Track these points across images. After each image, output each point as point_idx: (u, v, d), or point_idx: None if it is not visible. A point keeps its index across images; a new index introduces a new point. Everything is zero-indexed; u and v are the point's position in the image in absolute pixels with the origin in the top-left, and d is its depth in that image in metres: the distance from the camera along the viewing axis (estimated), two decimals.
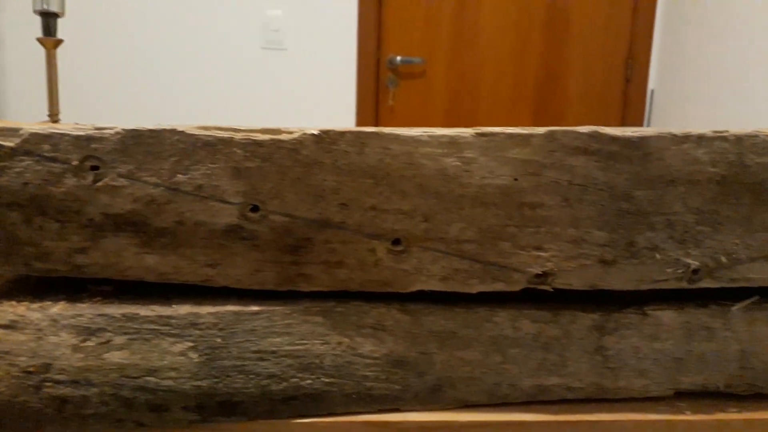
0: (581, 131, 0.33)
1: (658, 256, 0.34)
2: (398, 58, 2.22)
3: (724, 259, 0.34)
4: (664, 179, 0.33)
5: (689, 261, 0.34)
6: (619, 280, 0.34)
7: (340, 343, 0.34)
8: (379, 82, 2.25)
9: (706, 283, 0.35)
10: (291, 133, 0.33)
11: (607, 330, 0.35)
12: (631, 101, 2.26)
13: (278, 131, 0.33)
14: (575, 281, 0.34)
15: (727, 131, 0.33)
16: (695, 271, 0.34)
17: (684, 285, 0.35)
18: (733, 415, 0.35)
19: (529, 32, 2.24)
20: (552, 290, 0.35)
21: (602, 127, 0.33)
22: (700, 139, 0.33)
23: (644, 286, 0.35)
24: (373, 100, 2.24)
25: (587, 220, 0.34)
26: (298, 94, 2.21)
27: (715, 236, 0.34)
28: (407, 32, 2.23)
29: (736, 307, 0.35)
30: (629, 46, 2.24)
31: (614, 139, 0.33)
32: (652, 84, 2.25)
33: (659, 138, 0.33)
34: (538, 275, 0.34)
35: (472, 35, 2.22)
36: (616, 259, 0.34)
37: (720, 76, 1.82)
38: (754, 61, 1.68)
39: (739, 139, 0.33)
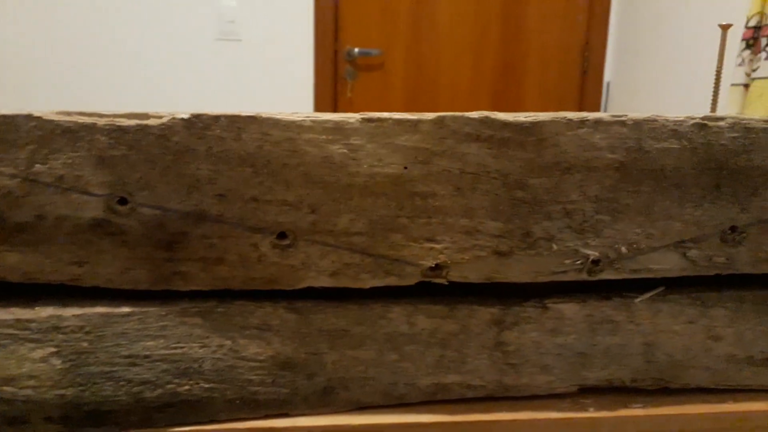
0: (472, 117, 0.31)
1: (555, 246, 0.33)
2: (356, 49, 2.19)
3: (624, 249, 0.33)
4: (560, 166, 0.32)
5: (588, 251, 0.33)
6: (516, 272, 0.33)
7: (221, 346, 0.32)
8: (337, 74, 2.22)
9: (607, 275, 0.34)
10: (160, 117, 0.30)
11: (507, 324, 0.34)
12: (587, 93, 2.28)
13: (146, 116, 0.30)
14: (471, 274, 0.33)
15: (625, 115, 0.32)
16: (595, 262, 0.33)
17: (584, 276, 0.33)
18: (637, 411, 0.34)
19: (487, 23, 2.24)
20: (447, 283, 0.33)
21: (494, 113, 0.31)
22: (597, 123, 0.32)
23: (542, 279, 0.33)
24: (331, 92, 2.21)
25: (481, 210, 0.32)
26: (254, 86, 2.17)
27: (615, 225, 0.33)
28: (365, 24, 2.20)
29: (639, 299, 0.34)
30: (585, 39, 2.25)
31: (506, 124, 0.31)
32: (608, 76, 2.27)
33: (553, 123, 0.31)
34: (432, 268, 0.32)
35: (430, 27, 2.21)
36: (512, 251, 0.32)
37: (674, 69, 1.84)
38: (707, 54, 1.70)
39: (637, 124, 0.32)
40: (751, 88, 1.41)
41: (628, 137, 0.32)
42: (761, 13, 1.40)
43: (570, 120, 0.31)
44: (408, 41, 2.21)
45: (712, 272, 0.34)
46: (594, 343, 0.34)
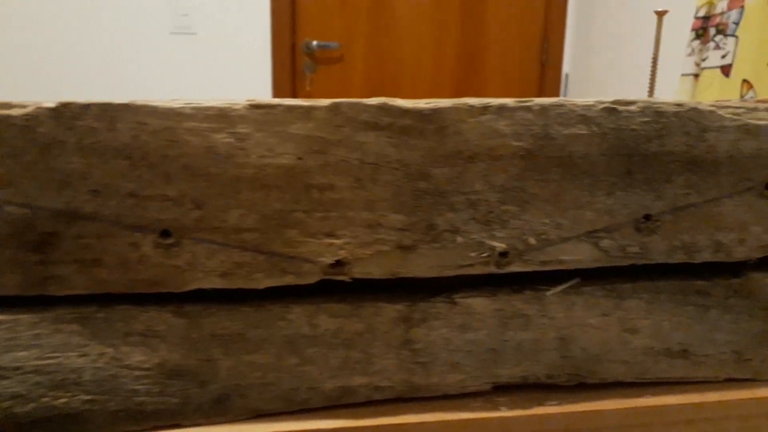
0: (369, 103, 0.29)
1: (460, 239, 0.31)
2: (314, 42, 2.16)
3: (532, 241, 0.32)
4: (462, 155, 0.30)
5: (495, 243, 0.31)
6: (421, 266, 0.31)
7: (102, 354, 0.29)
8: (296, 68, 2.18)
9: (516, 267, 0.32)
10: (24, 107, 0.28)
11: (414, 322, 0.32)
12: (546, 84, 2.29)
13: (8, 105, 0.28)
14: (374, 270, 0.31)
15: (531, 100, 0.31)
16: (503, 254, 0.32)
17: (492, 269, 0.32)
18: (551, 409, 0.33)
19: (447, 16, 2.22)
20: (351, 280, 0.31)
21: (392, 99, 0.30)
22: (501, 110, 0.30)
23: (448, 272, 0.32)
24: (289, 85, 2.17)
25: (382, 203, 0.30)
26: (211, 80, 2.12)
27: (523, 216, 0.31)
28: (323, 16, 2.17)
29: (551, 292, 0.33)
30: (544, 31, 2.26)
31: (405, 111, 0.29)
32: (566, 68, 2.28)
33: (455, 109, 0.30)
34: (333, 265, 0.30)
35: (390, 19, 2.19)
36: (416, 244, 0.31)
37: (629, 59, 1.85)
38: (664, 44, 1.71)
39: (543, 110, 0.30)
40: (700, 78, 1.42)
41: (534, 123, 0.31)
42: (710, 3, 1.41)
43: (472, 106, 0.30)
44: (368, 34, 2.19)
45: (626, 262, 0.33)
46: (506, 338, 0.33)
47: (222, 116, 0.29)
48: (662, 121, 0.31)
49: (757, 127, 0.32)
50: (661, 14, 0.61)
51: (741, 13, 1.33)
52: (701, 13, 1.43)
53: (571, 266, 0.33)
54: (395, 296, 0.32)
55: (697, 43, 1.45)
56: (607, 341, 0.34)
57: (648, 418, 0.34)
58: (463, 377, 0.33)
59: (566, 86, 2.30)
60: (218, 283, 0.30)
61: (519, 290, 0.33)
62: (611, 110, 0.31)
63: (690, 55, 1.46)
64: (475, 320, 0.33)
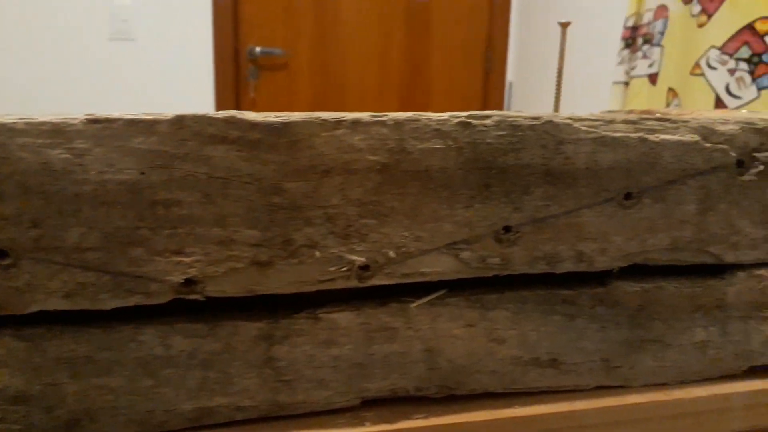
0: (216, 117, 0.29)
1: (318, 253, 0.31)
2: (258, 49, 2.14)
3: (392, 254, 0.31)
4: (317, 169, 0.30)
5: (354, 257, 0.31)
6: (279, 282, 0.31)
7: None
8: (239, 75, 2.16)
9: (378, 280, 0.32)
10: None
11: (276, 339, 0.32)
12: (491, 93, 2.32)
13: None
14: (228, 287, 0.30)
15: (386, 115, 0.30)
16: (363, 268, 0.31)
17: (354, 283, 0.32)
18: (418, 422, 0.33)
19: (392, 24, 2.24)
20: (205, 299, 0.30)
21: (241, 112, 0.29)
22: (356, 124, 0.30)
23: (308, 288, 0.31)
24: (233, 92, 2.14)
25: (235, 218, 0.30)
26: (151, 87, 2.07)
27: (382, 229, 0.31)
28: (267, 22, 2.15)
29: (415, 304, 0.33)
30: (487, 40, 2.30)
31: (254, 125, 0.29)
32: (510, 76, 2.32)
33: (306, 124, 0.29)
34: (183, 284, 0.30)
35: (334, 27, 2.19)
36: (273, 260, 0.30)
37: (568, 68, 1.89)
38: (598, 53, 1.76)
39: (398, 124, 0.30)
40: (630, 86, 1.47)
41: (389, 138, 0.30)
42: (637, 14, 1.46)
43: (324, 120, 0.30)
44: (312, 41, 2.18)
45: (488, 274, 0.33)
46: (371, 352, 0.33)
47: (57, 131, 0.27)
48: (518, 134, 0.32)
49: (614, 139, 0.33)
50: (564, 26, 0.62)
51: (666, 24, 1.38)
52: (630, 23, 1.48)
53: (434, 278, 0.33)
54: (255, 314, 0.32)
55: (626, 52, 1.50)
56: (473, 352, 0.34)
57: (517, 428, 0.34)
58: (329, 393, 0.33)
59: (510, 94, 2.34)
60: (62, 305, 0.29)
61: (385, 303, 0.33)
62: (466, 124, 0.31)
63: (620, 63, 1.51)
64: (339, 335, 0.32)
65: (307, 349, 0.32)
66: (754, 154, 0.36)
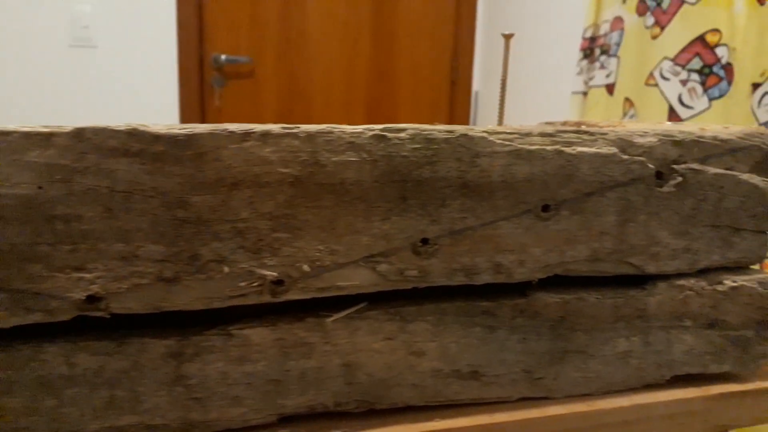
0: (117, 129, 0.28)
1: (227, 269, 0.30)
2: (223, 56, 2.12)
3: (306, 268, 0.31)
4: (225, 182, 0.29)
5: (265, 272, 0.30)
6: (187, 298, 0.30)
7: None
8: (204, 82, 2.13)
9: (293, 295, 0.31)
10: None
11: (187, 356, 0.31)
12: (457, 103, 2.34)
13: None
14: (134, 304, 0.29)
15: (297, 127, 0.30)
16: (277, 283, 0.31)
17: (268, 299, 0.31)
18: None
19: (358, 35, 2.24)
20: (109, 317, 0.29)
21: (144, 125, 0.28)
22: (266, 136, 0.30)
23: (218, 304, 0.31)
24: (198, 100, 2.12)
25: (139, 233, 0.29)
26: (115, 95, 2.04)
27: (295, 243, 0.31)
28: (232, 30, 2.14)
29: (332, 319, 0.32)
30: (454, 50, 2.31)
31: (158, 137, 0.28)
32: (476, 86, 2.34)
33: (213, 136, 0.29)
34: (86, 300, 0.29)
35: (300, 36, 2.18)
36: (179, 276, 0.30)
37: (533, 78, 1.92)
38: (562, 63, 1.79)
39: (310, 137, 0.30)
40: (588, 96, 1.49)
41: (301, 150, 0.30)
42: (595, 25, 1.49)
43: (232, 132, 0.29)
44: (278, 50, 2.17)
45: (407, 286, 0.33)
46: (287, 368, 0.32)
47: None
48: (433, 147, 0.32)
49: (529, 152, 0.33)
50: (508, 37, 0.63)
51: (621, 35, 1.41)
52: (588, 34, 1.50)
53: (351, 291, 0.32)
54: (165, 331, 0.31)
55: (585, 62, 1.52)
56: (393, 365, 0.34)
57: None
58: (244, 411, 0.32)
59: (476, 104, 2.36)
60: None
61: (302, 318, 0.33)
62: (380, 137, 0.31)
63: (579, 74, 1.53)
64: (253, 351, 0.32)
65: (220, 366, 0.31)
66: (673, 166, 0.36)
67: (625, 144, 0.35)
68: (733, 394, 0.38)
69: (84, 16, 1.99)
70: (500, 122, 0.56)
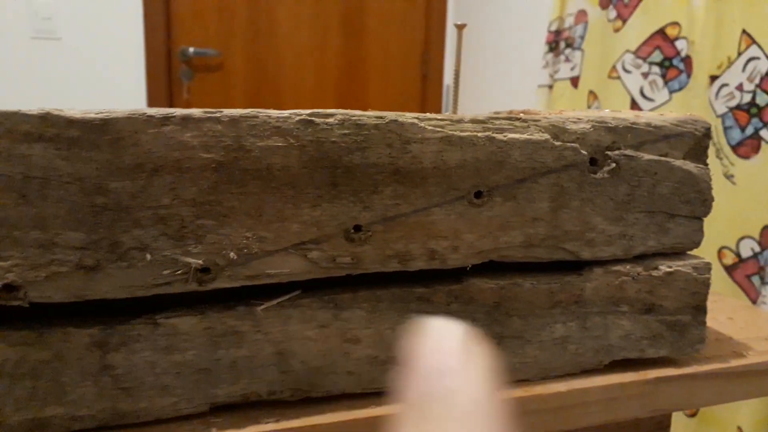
0: (30, 114, 0.27)
1: (149, 256, 0.29)
2: (191, 49, 2.10)
3: (233, 255, 0.31)
4: (145, 168, 0.29)
5: (190, 260, 0.30)
6: (109, 287, 0.29)
7: None
8: (172, 75, 2.11)
9: (221, 283, 0.31)
10: None
11: (112, 346, 0.30)
12: (428, 96, 2.34)
13: None
14: (53, 293, 0.29)
15: (220, 111, 0.30)
16: (203, 271, 0.30)
17: (194, 287, 0.31)
18: (268, 426, 0.32)
19: (327, 27, 2.23)
20: (28, 306, 0.29)
21: (57, 109, 0.28)
22: (186, 120, 0.29)
23: (142, 293, 0.30)
24: (166, 94, 2.09)
25: (56, 220, 0.28)
26: (80, 88, 2.00)
27: (221, 230, 0.30)
28: (200, 23, 2.11)
29: (262, 307, 0.32)
30: (424, 43, 2.31)
31: (72, 122, 0.28)
32: (447, 79, 2.34)
33: (130, 120, 0.28)
34: (3, 289, 0.28)
35: (269, 27, 2.16)
36: (101, 264, 0.29)
37: (502, 71, 1.93)
38: (529, 56, 1.80)
39: (234, 121, 0.30)
40: (554, 89, 1.50)
41: (225, 135, 0.30)
42: (560, 18, 1.50)
43: (150, 117, 0.29)
44: (247, 42, 2.15)
45: (340, 273, 0.33)
46: (217, 357, 0.32)
47: None
48: (363, 133, 0.32)
49: (461, 138, 0.33)
50: (460, 27, 0.63)
51: (585, 28, 1.42)
52: (553, 27, 1.52)
53: (282, 279, 0.32)
54: (88, 320, 0.30)
55: (550, 55, 1.53)
56: (327, 353, 0.34)
57: (372, 429, 0.34)
58: (175, 400, 0.32)
59: (448, 98, 2.36)
60: None
61: (232, 306, 0.32)
62: (308, 122, 0.31)
63: (545, 67, 1.54)
64: (181, 340, 0.31)
65: (147, 355, 0.31)
66: (607, 153, 0.37)
67: (557, 130, 0.35)
68: (670, 378, 0.39)
69: (45, 7, 1.95)
70: (454, 113, 0.56)
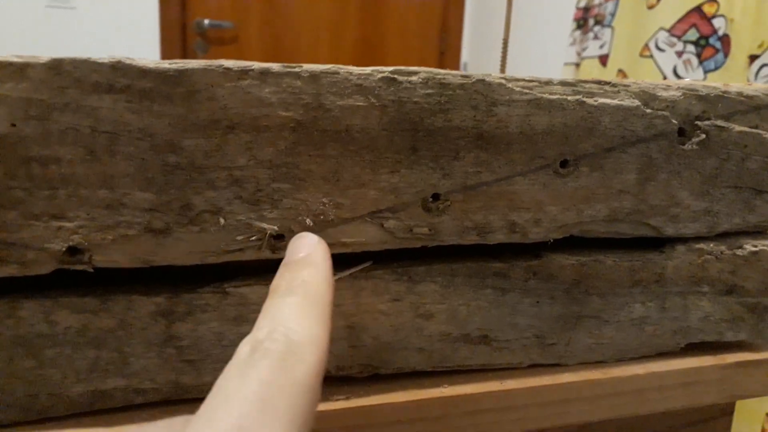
0: (100, 62, 0.25)
1: (223, 221, 0.27)
2: (206, 21, 2.06)
3: (309, 222, 0.29)
4: (220, 125, 0.27)
5: (265, 225, 0.28)
6: (178, 252, 0.27)
7: None
8: (187, 48, 2.07)
9: None
10: None
11: (178, 315, 0.28)
12: None
13: None
14: (120, 257, 0.27)
15: (300, 66, 0.27)
16: (277, 237, 0.28)
17: (267, 254, 0.29)
18: (338, 404, 0.30)
19: (345, 2, 2.18)
20: (93, 270, 0.27)
21: (130, 57, 0.25)
22: (264, 75, 0.27)
23: (213, 259, 0.28)
24: None
25: (125, 179, 0.26)
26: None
27: (297, 195, 0.28)
28: None
29: (336, 278, 0.30)
30: (442, 20, 2.27)
31: (145, 72, 0.25)
32: (464, 57, 2.30)
33: (206, 72, 0.26)
34: (67, 252, 0.26)
35: (285, 0, 2.12)
36: (170, 227, 0.27)
37: (525, 49, 1.89)
38: (550, 35, 1.76)
39: (314, 77, 0.27)
40: (581, 67, 1.47)
41: (304, 92, 0.27)
42: None
43: (228, 69, 0.26)
44: (263, 14, 2.11)
45: (416, 244, 0.31)
46: None
47: None
48: (447, 93, 0.29)
49: (549, 101, 0.31)
50: None
51: (616, 5, 1.38)
52: (582, 4, 1.47)
53: (357, 249, 0.30)
54: (154, 287, 0.28)
55: (578, 33, 1.49)
56: (399, 328, 0.32)
57: (444, 408, 0.32)
58: None
59: None
60: None
61: None
62: (390, 80, 0.28)
63: (572, 44, 1.50)
64: (250, 311, 0.29)
65: (214, 326, 0.29)
66: (696, 122, 0.34)
67: (648, 97, 0.33)
68: (748, 363, 0.37)
69: None
70: None
